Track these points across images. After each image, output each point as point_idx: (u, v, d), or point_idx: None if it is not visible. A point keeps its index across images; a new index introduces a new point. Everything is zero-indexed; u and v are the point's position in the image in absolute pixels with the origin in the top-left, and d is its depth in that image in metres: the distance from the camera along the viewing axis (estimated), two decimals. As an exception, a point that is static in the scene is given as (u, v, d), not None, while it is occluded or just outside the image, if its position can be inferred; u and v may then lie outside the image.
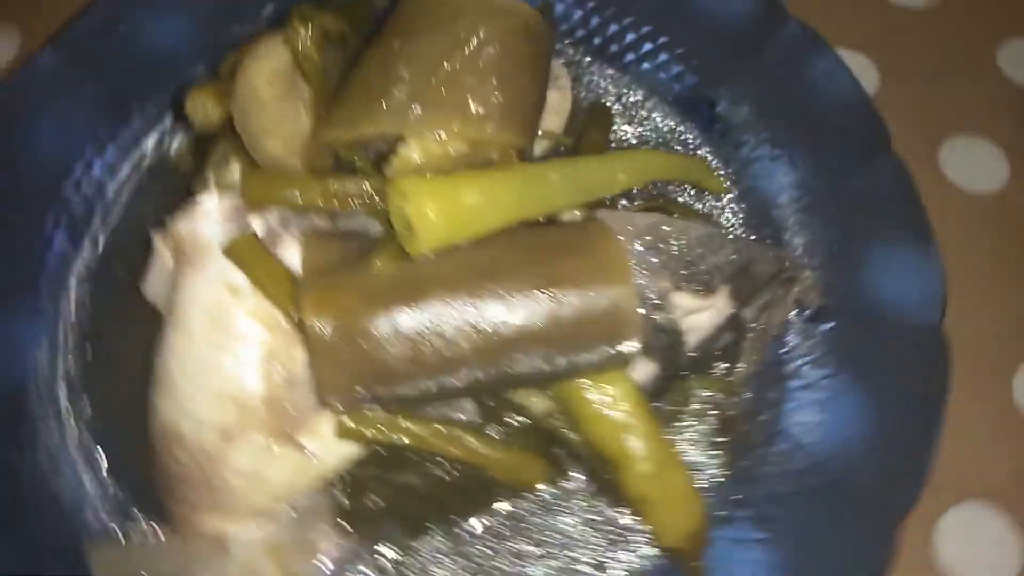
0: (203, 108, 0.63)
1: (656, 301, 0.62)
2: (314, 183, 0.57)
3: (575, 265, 0.55)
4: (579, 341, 0.56)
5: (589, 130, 0.74)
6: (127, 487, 0.66)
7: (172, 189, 0.73)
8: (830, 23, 0.78)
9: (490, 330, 0.55)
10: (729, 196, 0.77)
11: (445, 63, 0.57)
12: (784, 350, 0.70)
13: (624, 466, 0.59)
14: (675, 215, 0.69)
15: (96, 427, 0.68)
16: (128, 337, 0.67)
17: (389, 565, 0.63)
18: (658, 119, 0.80)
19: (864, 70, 0.87)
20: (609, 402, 0.59)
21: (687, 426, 0.67)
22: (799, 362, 0.70)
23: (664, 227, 0.64)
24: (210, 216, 0.59)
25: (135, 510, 0.65)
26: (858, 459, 0.63)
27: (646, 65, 0.82)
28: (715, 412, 0.68)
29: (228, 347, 0.58)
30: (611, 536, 0.64)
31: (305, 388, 0.59)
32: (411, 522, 0.64)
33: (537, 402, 0.61)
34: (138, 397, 0.63)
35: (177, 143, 0.77)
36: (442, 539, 0.64)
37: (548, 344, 0.55)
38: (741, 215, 0.76)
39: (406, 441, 0.59)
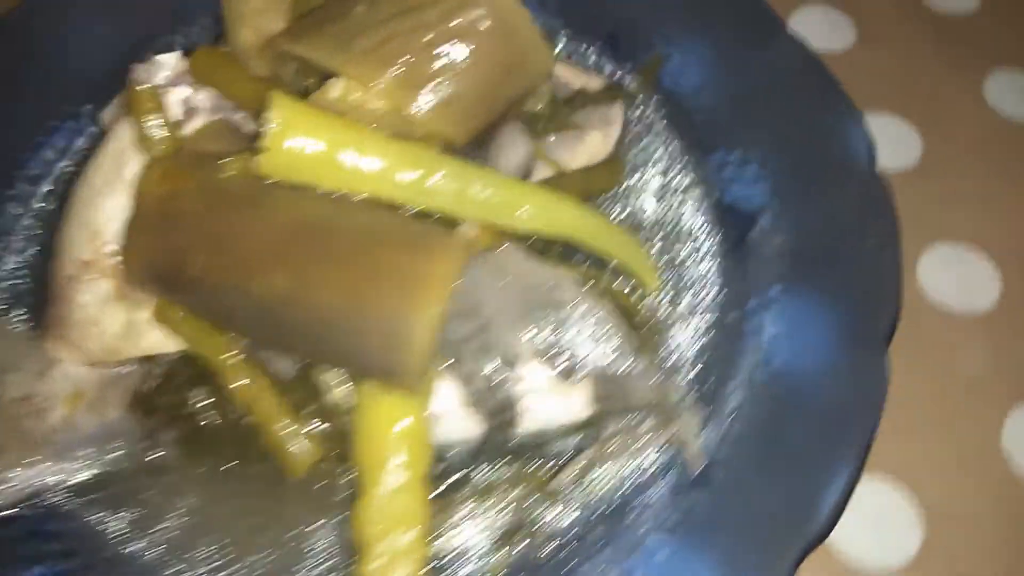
0: None
1: (504, 360, 0.56)
2: (248, 83, 0.58)
3: (392, 262, 0.51)
4: (355, 342, 0.51)
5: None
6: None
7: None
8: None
9: (286, 286, 0.52)
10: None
11: (410, 22, 0.55)
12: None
13: (364, 490, 0.53)
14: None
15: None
16: None
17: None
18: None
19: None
20: (384, 420, 0.54)
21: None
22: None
23: (556, 293, 0.57)
24: (161, 71, 0.61)
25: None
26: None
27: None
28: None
29: (113, 191, 0.60)
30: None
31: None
32: (191, 442, 0.62)
33: (339, 390, 0.57)
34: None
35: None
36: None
37: (328, 325, 0.51)
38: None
39: (201, 350, 0.58)
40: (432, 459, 0.57)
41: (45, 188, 0.75)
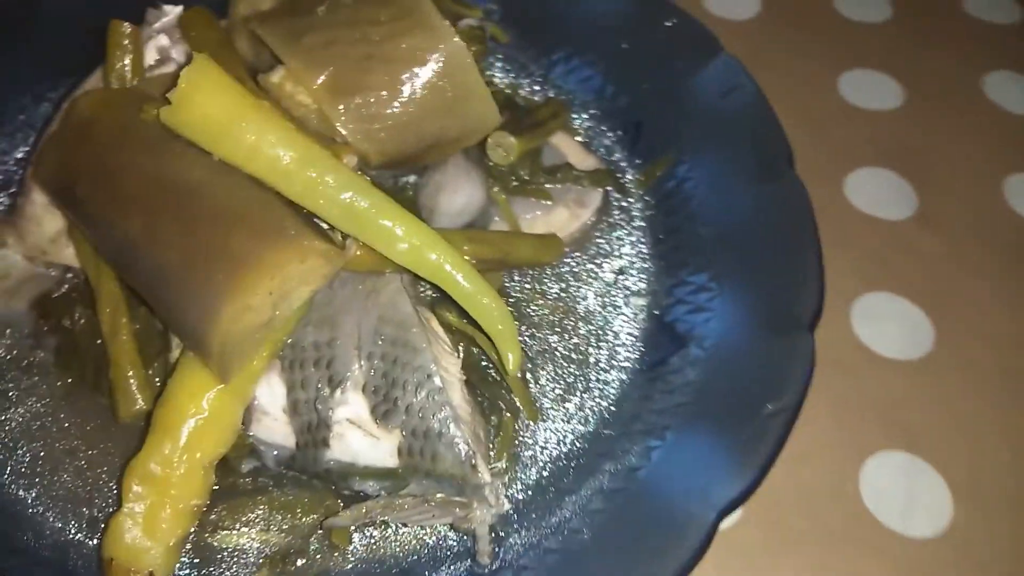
0: None
1: (333, 379, 0.55)
2: (219, 51, 0.61)
3: (234, 244, 0.51)
4: (179, 302, 0.52)
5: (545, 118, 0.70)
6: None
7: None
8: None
9: (139, 228, 0.53)
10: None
11: (357, 33, 0.57)
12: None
13: (147, 448, 0.54)
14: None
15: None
16: None
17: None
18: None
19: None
20: (189, 389, 0.54)
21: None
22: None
23: (411, 338, 0.55)
24: (163, 18, 0.65)
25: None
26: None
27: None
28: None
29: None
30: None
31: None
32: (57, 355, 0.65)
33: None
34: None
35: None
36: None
37: (160, 280, 0.53)
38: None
39: (87, 270, 0.62)
40: (241, 454, 0.57)
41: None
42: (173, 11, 0.66)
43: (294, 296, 0.53)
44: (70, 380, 0.64)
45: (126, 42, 0.62)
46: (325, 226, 0.57)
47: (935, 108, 0.89)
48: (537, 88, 0.81)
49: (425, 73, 0.57)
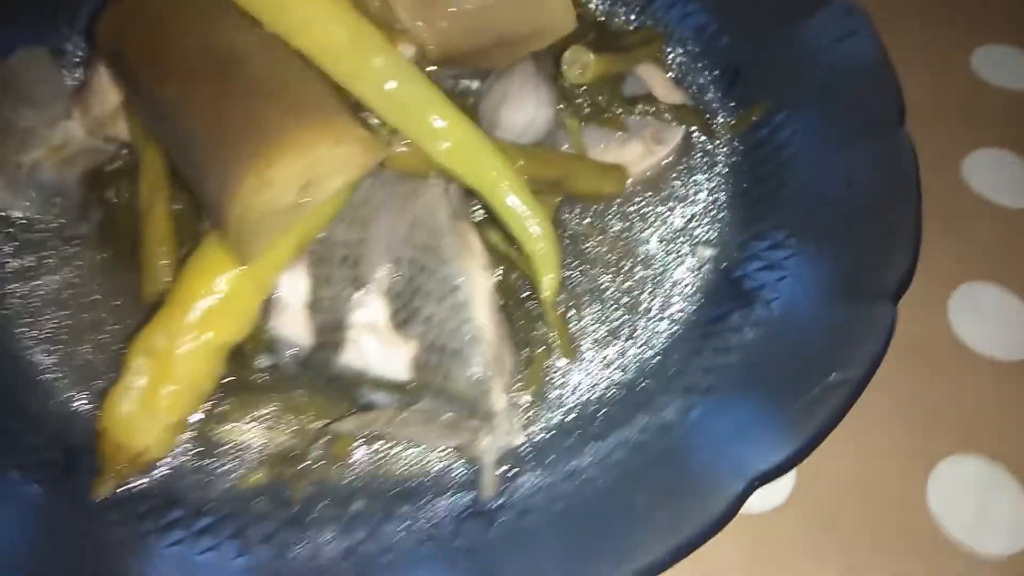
0: None
1: (356, 280, 0.52)
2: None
3: (266, 116, 0.48)
4: (204, 171, 0.50)
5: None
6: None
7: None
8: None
9: (174, 93, 0.51)
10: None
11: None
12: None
13: (157, 320, 0.52)
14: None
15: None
16: None
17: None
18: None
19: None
20: (208, 266, 0.51)
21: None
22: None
23: (443, 248, 0.51)
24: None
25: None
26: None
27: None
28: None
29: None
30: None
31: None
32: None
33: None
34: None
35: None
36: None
37: (189, 146, 0.50)
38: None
39: (134, 140, 0.61)
40: (257, 347, 0.55)
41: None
42: None
43: (326, 183, 0.50)
44: (107, 254, 0.62)
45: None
46: (372, 119, 0.53)
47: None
48: (633, 18, 0.75)
49: None
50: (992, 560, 0.54)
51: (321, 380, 0.54)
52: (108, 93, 0.64)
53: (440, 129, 0.51)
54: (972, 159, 0.73)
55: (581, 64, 0.60)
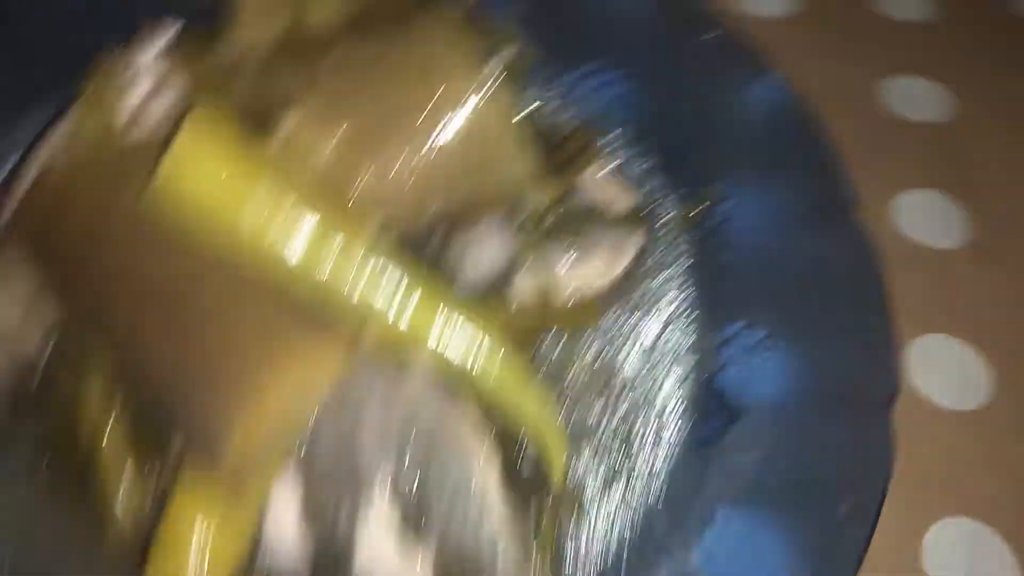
0: None
1: (357, 478, 0.49)
2: (213, 86, 0.52)
3: (253, 338, 0.44)
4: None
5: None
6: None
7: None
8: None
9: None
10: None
11: (388, 85, 0.49)
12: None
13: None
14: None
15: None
16: None
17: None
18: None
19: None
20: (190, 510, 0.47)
21: None
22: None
23: (447, 439, 0.49)
24: (154, 45, 0.56)
25: None
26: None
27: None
28: None
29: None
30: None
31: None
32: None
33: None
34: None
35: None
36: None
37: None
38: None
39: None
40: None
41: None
42: (164, 35, 0.57)
43: (313, 391, 0.46)
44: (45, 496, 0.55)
45: (109, 85, 0.53)
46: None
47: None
48: (561, 105, 0.73)
49: (455, 127, 0.49)
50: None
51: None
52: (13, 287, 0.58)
53: (431, 323, 0.48)
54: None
55: (535, 202, 0.59)
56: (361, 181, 0.49)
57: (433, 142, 0.49)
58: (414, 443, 0.48)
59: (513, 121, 0.51)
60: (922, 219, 0.75)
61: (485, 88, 0.49)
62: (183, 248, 0.46)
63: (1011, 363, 0.67)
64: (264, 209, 0.46)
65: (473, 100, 0.49)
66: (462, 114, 0.50)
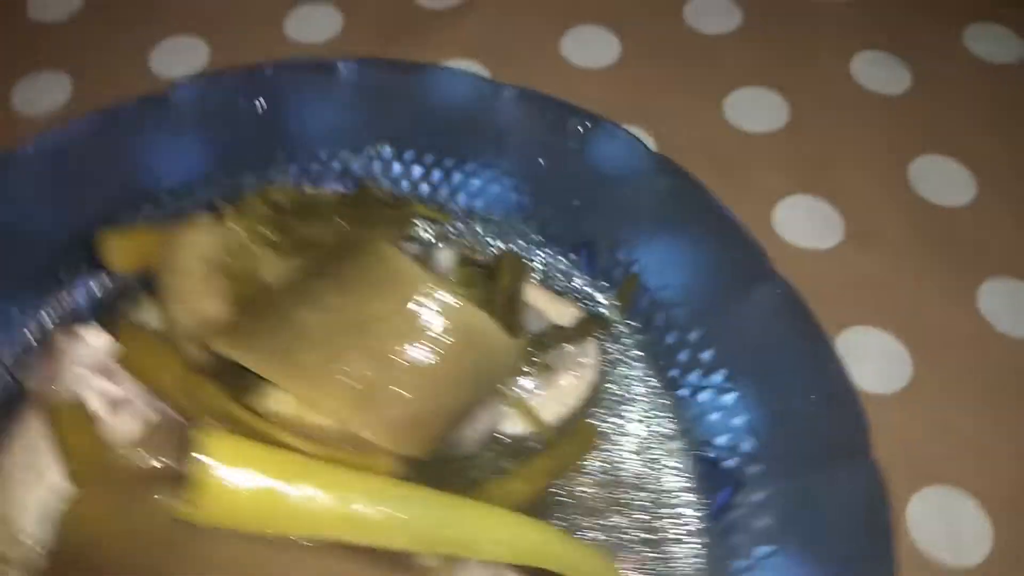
0: (121, 255, 0.60)
1: None
2: (184, 384, 0.52)
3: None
4: None
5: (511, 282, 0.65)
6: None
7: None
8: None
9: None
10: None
11: (364, 338, 0.49)
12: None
13: None
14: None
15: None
16: None
17: None
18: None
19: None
20: None
21: None
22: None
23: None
24: (84, 347, 0.54)
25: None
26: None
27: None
28: None
29: (28, 485, 0.54)
30: None
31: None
32: None
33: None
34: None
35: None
36: None
37: None
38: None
39: None
40: None
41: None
42: (95, 337, 0.55)
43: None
44: None
45: (76, 421, 0.51)
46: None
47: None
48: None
49: (449, 351, 0.51)
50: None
51: None
52: None
53: (482, 534, 0.50)
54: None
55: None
56: (371, 433, 0.50)
57: (427, 371, 0.51)
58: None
59: (496, 328, 0.53)
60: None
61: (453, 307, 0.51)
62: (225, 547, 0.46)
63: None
64: (304, 489, 0.46)
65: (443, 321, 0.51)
66: (445, 337, 0.51)
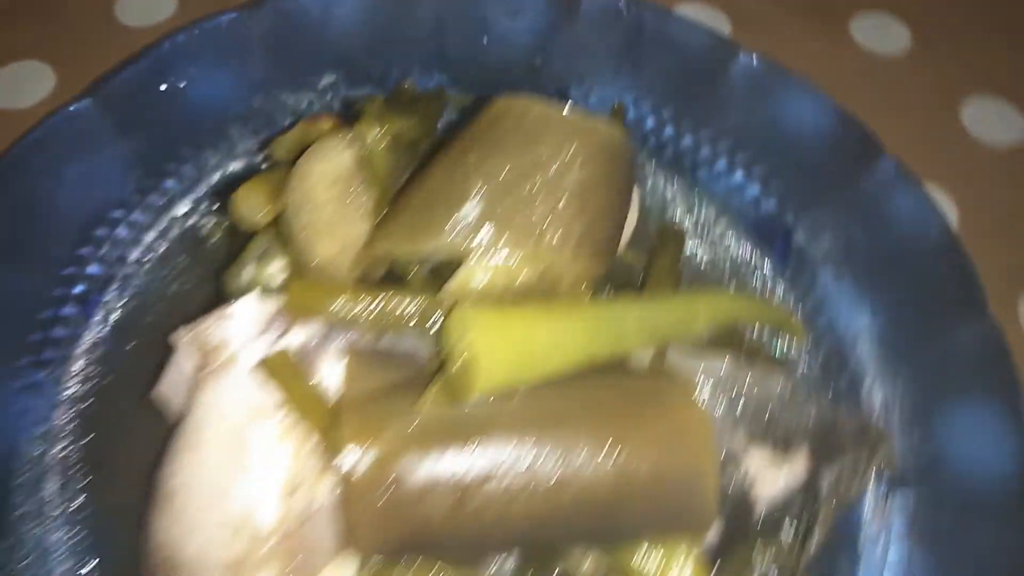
0: (251, 204, 0.57)
1: (730, 458, 0.56)
2: (364, 296, 0.51)
3: (652, 425, 0.49)
4: (646, 511, 0.49)
5: (660, 255, 0.67)
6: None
7: (199, 271, 0.68)
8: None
9: (547, 490, 0.48)
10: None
11: (523, 184, 0.53)
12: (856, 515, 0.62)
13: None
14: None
15: (89, 525, 0.61)
16: (134, 435, 0.61)
17: None
18: (730, 242, 0.74)
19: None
20: (670, 571, 0.52)
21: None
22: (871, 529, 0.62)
23: (742, 375, 0.57)
24: (244, 322, 0.52)
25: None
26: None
27: (721, 183, 0.75)
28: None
29: (246, 471, 0.51)
30: None
31: (324, 526, 0.52)
32: None
33: (586, 564, 0.55)
34: (137, 502, 0.56)
35: (210, 221, 0.71)
36: None
37: (611, 509, 0.49)
38: (816, 359, 0.69)
39: None
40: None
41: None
42: (248, 306, 0.53)
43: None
44: None
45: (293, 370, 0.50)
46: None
47: None
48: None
49: (602, 172, 0.56)
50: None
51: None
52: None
53: (691, 317, 0.55)
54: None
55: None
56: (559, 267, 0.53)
57: (582, 200, 0.54)
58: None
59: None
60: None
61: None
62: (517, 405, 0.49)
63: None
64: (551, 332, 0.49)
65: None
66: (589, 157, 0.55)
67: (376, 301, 0.51)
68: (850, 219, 0.71)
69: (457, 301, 0.49)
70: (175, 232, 0.72)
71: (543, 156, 0.53)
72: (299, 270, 0.55)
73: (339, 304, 0.51)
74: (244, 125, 0.74)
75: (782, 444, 0.57)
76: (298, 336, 0.52)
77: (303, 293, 0.52)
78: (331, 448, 0.48)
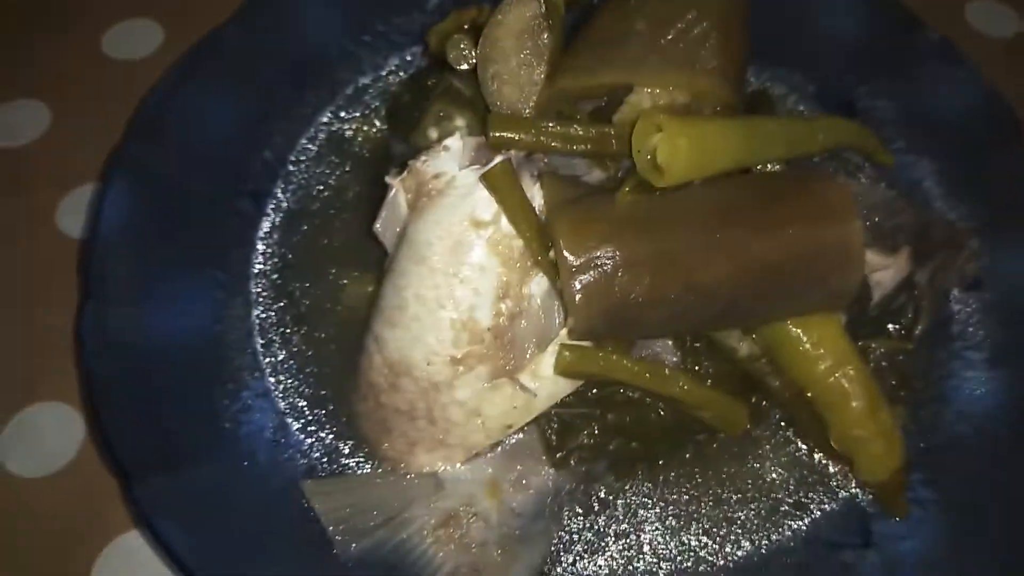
0: (461, 50, 0.68)
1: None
2: (555, 127, 0.61)
3: (804, 205, 0.60)
4: (810, 278, 0.60)
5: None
6: (331, 429, 0.67)
7: (343, 159, 0.80)
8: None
9: (729, 265, 0.58)
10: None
11: (676, 21, 0.63)
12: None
13: (839, 406, 0.62)
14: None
15: (292, 374, 0.70)
16: (316, 288, 0.73)
17: (597, 504, 0.65)
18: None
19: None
20: (821, 343, 0.62)
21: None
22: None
23: (853, 187, 0.68)
24: (455, 154, 0.62)
25: (343, 448, 0.66)
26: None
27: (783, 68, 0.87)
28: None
29: (466, 278, 0.60)
30: (809, 478, 0.67)
31: (530, 325, 0.62)
32: (618, 463, 0.65)
33: (743, 346, 0.65)
34: (326, 346, 0.69)
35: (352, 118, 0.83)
36: (647, 483, 0.66)
37: (775, 278, 0.59)
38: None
39: (625, 378, 0.61)
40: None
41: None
42: (455, 143, 0.63)
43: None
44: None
45: (513, 179, 0.60)
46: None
47: None
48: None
49: (738, 9, 0.68)
50: None
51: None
52: (479, 407, 0.62)
53: (813, 132, 0.67)
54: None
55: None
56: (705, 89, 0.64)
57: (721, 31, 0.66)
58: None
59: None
60: None
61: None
62: (701, 192, 0.59)
63: None
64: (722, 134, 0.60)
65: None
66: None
67: (562, 131, 0.62)
68: (903, 87, 0.83)
69: (640, 115, 0.59)
70: (322, 136, 0.82)
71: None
72: (491, 114, 0.65)
73: (533, 134, 0.61)
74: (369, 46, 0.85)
75: (888, 246, 0.68)
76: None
77: (502, 126, 0.62)
78: (543, 247, 0.58)
